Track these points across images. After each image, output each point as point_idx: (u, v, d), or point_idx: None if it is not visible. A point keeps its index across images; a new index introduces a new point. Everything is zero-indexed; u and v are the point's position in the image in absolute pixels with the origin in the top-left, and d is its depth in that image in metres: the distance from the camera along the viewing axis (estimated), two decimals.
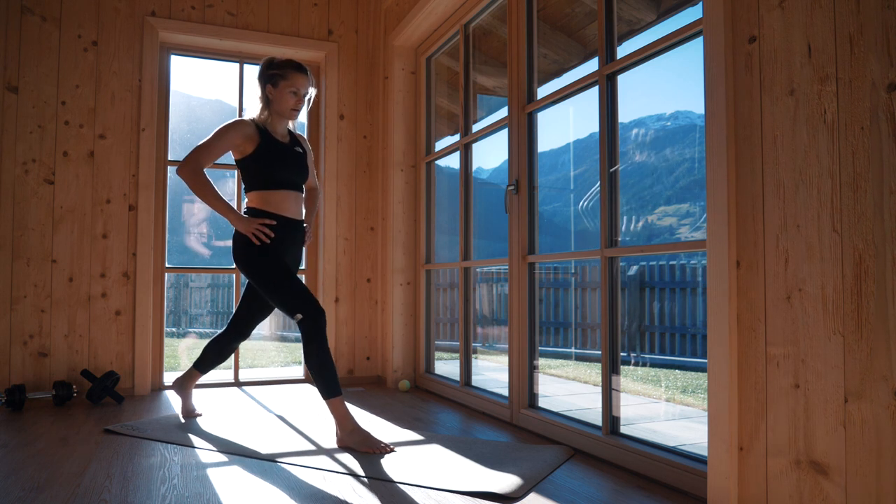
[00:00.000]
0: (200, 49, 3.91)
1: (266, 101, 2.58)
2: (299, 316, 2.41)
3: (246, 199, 2.62)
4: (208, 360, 2.84)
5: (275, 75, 2.55)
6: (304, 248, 2.74)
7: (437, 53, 3.89)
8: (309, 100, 2.66)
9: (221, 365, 3.28)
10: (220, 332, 2.82)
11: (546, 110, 2.81)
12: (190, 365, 2.91)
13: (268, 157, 2.54)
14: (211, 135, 2.50)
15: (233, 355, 4.00)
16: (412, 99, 4.00)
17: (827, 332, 1.43)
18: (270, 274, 2.49)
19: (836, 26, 1.42)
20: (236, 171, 3.95)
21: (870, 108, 1.35)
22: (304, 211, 2.71)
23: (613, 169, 2.33)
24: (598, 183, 2.34)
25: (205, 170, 2.48)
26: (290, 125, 2.70)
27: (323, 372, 2.40)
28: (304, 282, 4.04)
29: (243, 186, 2.64)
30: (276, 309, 2.80)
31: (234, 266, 3.89)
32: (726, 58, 1.69)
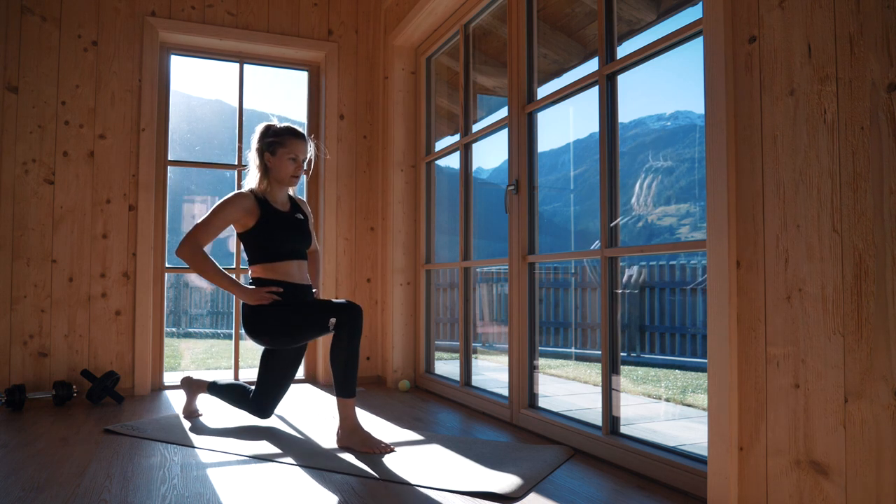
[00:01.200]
0: (200, 49, 3.91)
1: (265, 169, 2.55)
2: (333, 320, 2.35)
3: (250, 272, 2.60)
4: (223, 394, 2.76)
5: (273, 143, 2.53)
6: None
7: (437, 53, 3.89)
8: (309, 165, 2.64)
9: (222, 366, 3.27)
10: (252, 389, 2.70)
11: (546, 110, 2.81)
12: (191, 366, 2.90)
13: (269, 229, 2.51)
14: (210, 211, 2.47)
15: (233, 355, 4.01)
16: (412, 99, 4.00)
17: (827, 331, 1.43)
18: (289, 317, 2.44)
19: (836, 26, 1.42)
20: (235, 173, 3.95)
21: (870, 108, 1.35)
22: (307, 276, 2.67)
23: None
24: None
25: (202, 242, 2.45)
26: (291, 191, 2.67)
27: (347, 369, 2.36)
28: None
29: (246, 258, 2.60)
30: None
31: (233, 266, 3.89)
32: (726, 58, 1.69)
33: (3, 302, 3.32)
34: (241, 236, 2.57)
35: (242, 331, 2.81)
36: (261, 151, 2.55)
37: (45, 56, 3.45)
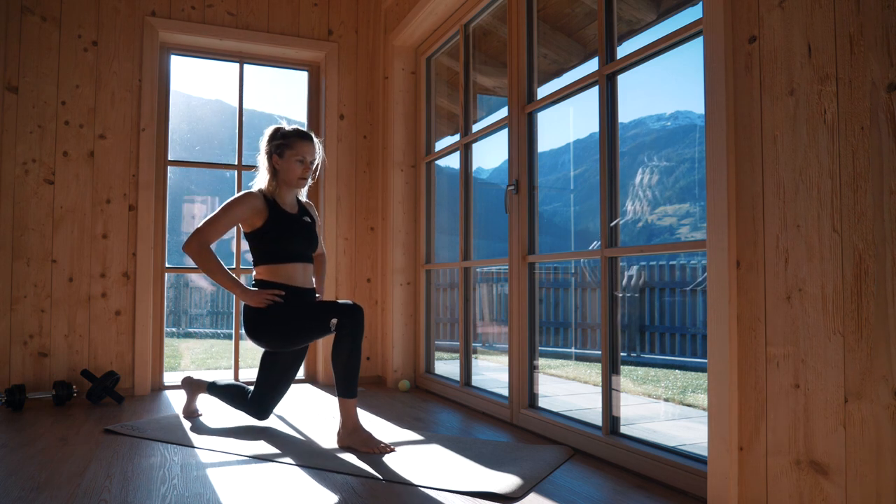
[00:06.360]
0: (200, 49, 3.91)
1: (273, 171, 2.56)
2: (334, 321, 2.36)
3: (254, 273, 2.59)
4: (222, 394, 2.76)
5: (281, 145, 2.53)
6: None
7: (437, 53, 3.89)
8: (316, 168, 2.63)
9: (222, 366, 3.26)
10: (250, 390, 2.70)
11: (546, 110, 2.81)
12: (191, 366, 2.91)
13: (277, 230, 2.52)
14: (219, 209, 2.48)
15: (233, 355, 4.01)
16: (412, 99, 4.00)
17: (827, 332, 1.43)
18: (290, 320, 2.45)
19: (836, 26, 1.42)
20: (235, 173, 3.95)
21: (870, 108, 1.35)
22: (312, 280, 2.67)
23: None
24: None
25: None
26: (304, 194, 2.68)
27: (348, 369, 2.35)
28: None
29: (251, 259, 2.60)
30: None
31: (233, 266, 3.89)
32: (726, 58, 1.69)
33: (3, 302, 3.32)
34: (247, 236, 2.57)
35: (242, 331, 2.81)
36: (269, 154, 2.57)
37: (45, 56, 3.45)
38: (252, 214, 2.50)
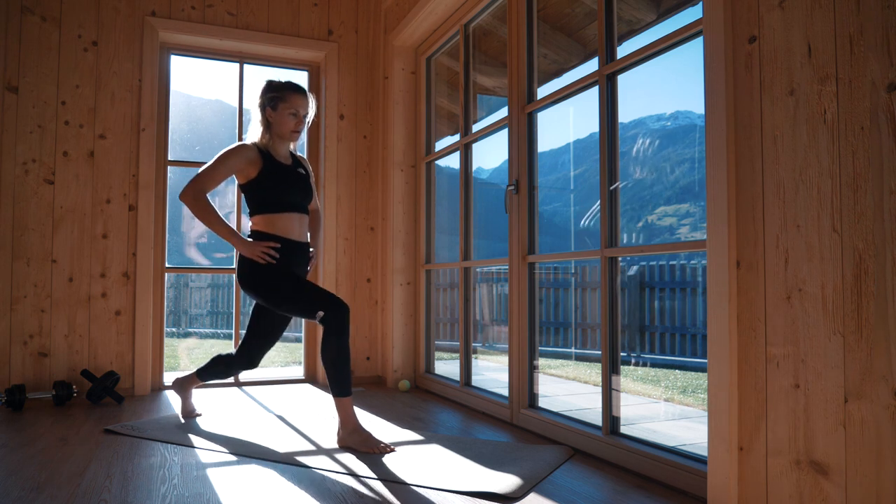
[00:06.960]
0: (200, 49, 3.91)
1: (266, 124, 2.56)
2: (320, 314, 2.37)
3: (250, 223, 2.59)
4: (212, 372, 2.78)
5: (274, 98, 2.53)
6: (308, 270, 2.70)
7: (437, 53, 3.89)
8: (309, 121, 2.65)
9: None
10: (231, 352, 2.75)
11: (546, 110, 2.81)
12: (191, 366, 2.91)
13: (272, 180, 2.52)
14: (213, 160, 2.48)
15: None
16: (412, 99, 4.00)
17: (827, 332, 1.43)
18: (281, 286, 2.46)
19: (836, 26, 1.42)
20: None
21: (870, 108, 1.35)
22: (307, 233, 2.68)
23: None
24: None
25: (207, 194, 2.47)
26: (292, 146, 2.68)
27: (338, 368, 2.37)
28: None
29: (247, 210, 2.60)
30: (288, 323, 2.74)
31: (232, 266, 3.89)
32: (726, 58, 1.69)
33: (3, 302, 3.32)
34: (242, 187, 2.57)
35: (241, 330, 2.80)
36: (262, 106, 2.56)
37: (45, 56, 3.45)
38: (247, 164, 2.50)
